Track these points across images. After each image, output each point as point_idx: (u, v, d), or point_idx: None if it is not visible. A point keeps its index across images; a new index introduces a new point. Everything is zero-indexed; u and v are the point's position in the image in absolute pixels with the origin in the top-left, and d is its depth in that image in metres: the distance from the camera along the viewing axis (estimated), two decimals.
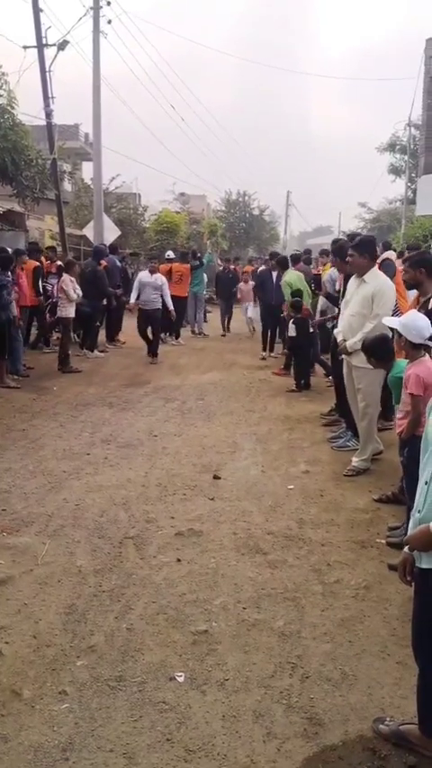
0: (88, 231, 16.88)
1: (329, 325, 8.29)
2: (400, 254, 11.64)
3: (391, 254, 8.94)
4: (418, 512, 2.40)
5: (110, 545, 4.21)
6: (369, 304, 5.55)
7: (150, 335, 11.81)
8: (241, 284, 15.96)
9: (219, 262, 21.31)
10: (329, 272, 8.99)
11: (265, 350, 12.42)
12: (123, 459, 6.01)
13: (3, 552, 4.07)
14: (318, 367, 9.97)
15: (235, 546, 4.22)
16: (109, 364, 11.27)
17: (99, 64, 16.11)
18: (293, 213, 60.07)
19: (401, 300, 6.60)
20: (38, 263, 11.82)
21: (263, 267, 15.20)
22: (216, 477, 5.52)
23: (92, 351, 12.02)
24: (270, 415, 7.83)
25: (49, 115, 15.61)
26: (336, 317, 7.21)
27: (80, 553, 4.09)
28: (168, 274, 14.09)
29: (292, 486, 5.34)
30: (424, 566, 2.34)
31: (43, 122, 16.12)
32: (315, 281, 9.41)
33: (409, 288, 5.38)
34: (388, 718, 2.62)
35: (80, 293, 10.80)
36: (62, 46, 15.78)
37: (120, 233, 17.55)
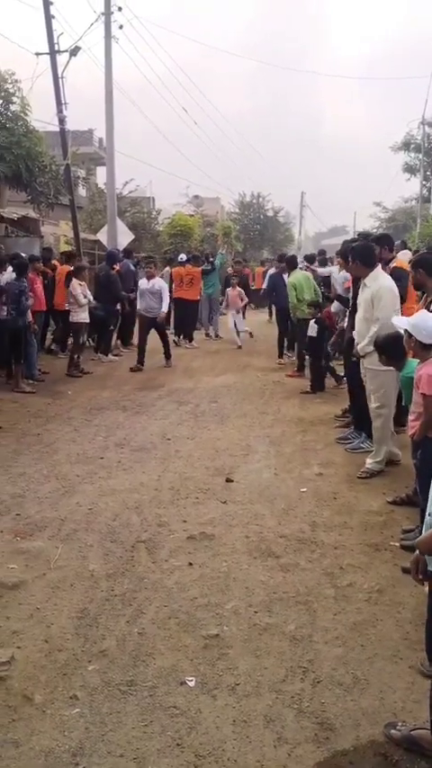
0: (102, 236, 16.97)
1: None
2: (415, 253, 11.57)
3: (405, 255, 8.90)
4: (429, 515, 2.38)
5: (122, 549, 4.22)
6: (371, 307, 5.58)
7: (160, 340, 11.53)
8: (229, 290, 14.88)
9: (231, 264, 21.15)
10: (339, 274, 8.94)
11: (281, 356, 12.12)
12: (136, 463, 6.02)
13: (16, 557, 4.09)
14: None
15: (247, 549, 4.21)
16: (123, 368, 11.30)
17: (111, 69, 16.20)
18: (308, 214, 60.00)
19: (411, 302, 6.55)
20: (71, 268, 11.99)
21: (273, 270, 15.17)
22: (229, 481, 5.51)
23: (106, 355, 12.07)
24: (284, 418, 7.80)
25: (62, 121, 15.73)
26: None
27: (93, 557, 4.11)
28: (181, 278, 14.14)
29: (305, 489, 5.32)
30: None
31: (57, 128, 16.24)
32: (325, 283, 9.35)
33: (416, 289, 5.36)
34: (400, 723, 2.60)
35: (90, 298, 10.84)
36: (74, 52, 15.88)
37: (133, 237, 17.63)
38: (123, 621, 3.39)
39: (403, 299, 5.87)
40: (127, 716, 2.70)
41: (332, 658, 3.08)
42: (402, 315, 5.12)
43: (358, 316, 5.81)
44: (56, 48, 15.88)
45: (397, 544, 4.25)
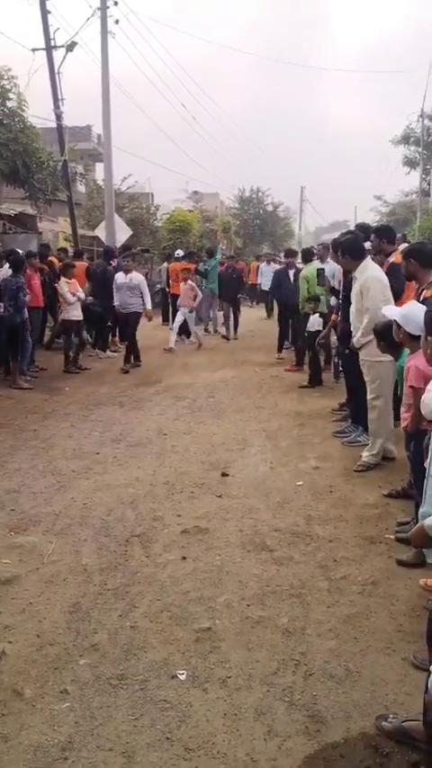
0: (100, 232, 16.94)
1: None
2: None
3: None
4: (423, 507, 2.37)
5: (116, 543, 4.21)
6: (361, 299, 5.63)
7: (129, 339, 10.99)
8: (182, 284, 13.30)
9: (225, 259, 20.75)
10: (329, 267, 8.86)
11: (280, 350, 11.88)
12: (132, 458, 6.01)
13: (10, 551, 4.08)
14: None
15: (241, 543, 4.19)
16: (121, 364, 11.27)
17: (108, 64, 16.16)
18: (308, 209, 59.90)
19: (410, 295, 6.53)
20: (89, 264, 12.02)
21: (265, 264, 15.10)
22: (224, 475, 5.49)
23: (104, 351, 12.06)
24: (281, 412, 7.78)
25: (59, 117, 15.73)
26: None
27: (86, 552, 4.09)
28: (176, 273, 14.13)
29: (300, 483, 5.30)
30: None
31: (54, 124, 16.22)
32: (318, 276, 9.30)
33: (408, 279, 5.35)
34: (391, 716, 2.58)
35: (82, 295, 10.70)
36: (71, 47, 15.89)
37: (131, 233, 17.60)
38: (116, 615, 3.37)
39: (400, 295, 5.84)
40: (117, 710, 2.69)
41: (325, 651, 3.06)
42: None
43: (351, 309, 5.83)
44: (52, 43, 15.87)
45: (392, 537, 4.23)
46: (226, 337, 14.51)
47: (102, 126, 16.89)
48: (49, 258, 12.60)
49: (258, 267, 20.75)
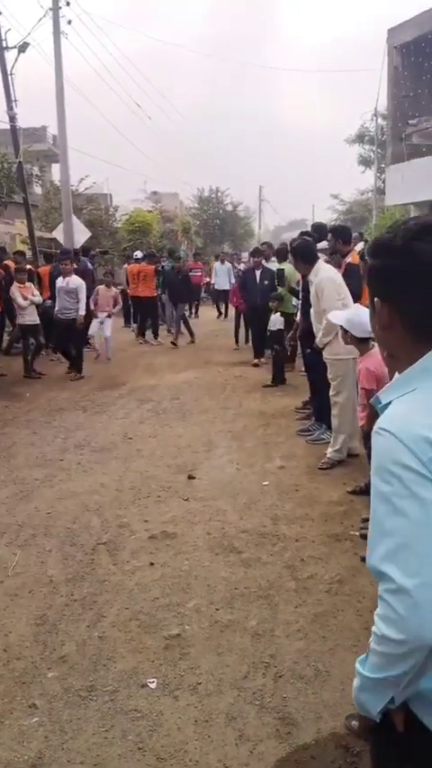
0: (58, 234, 16.73)
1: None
2: None
3: (360, 248, 8.95)
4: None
5: (82, 552, 4.16)
6: (317, 301, 5.74)
7: (72, 349, 10.47)
8: (101, 287, 12.21)
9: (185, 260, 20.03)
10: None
11: (260, 356, 11.04)
12: (97, 464, 5.95)
13: None
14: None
15: (209, 546, 4.19)
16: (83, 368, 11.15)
17: (61, 65, 15.95)
18: (267, 208, 60.18)
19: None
20: (50, 267, 11.87)
21: (241, 266, 14.94)
22: (191, 477, 5.48)
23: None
24: (245, 412, 7.80)
25: (12, 119, 15.48)
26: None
27: (51, 562, 4.04)
28: (135, 275, 14.08)
29: (267, 483, 5.33)
30: None
31: (6, 125, 15.97)
32: (278, 277, 9.33)
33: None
34: None
35: (37, 300, 10.49)
36: (23, 48, 15.64)
37: (90, 234, 17.41)
38: (83, 626, 3.34)
39: (358, 297, 5.92)
40: (87, 722, 2.66)
41: (294, 652, 3.08)
42: None
43: (311, 310, 5.91)
44: (3, 44, 15.61)
45: (357, 533, 4.28)
46: (174, 343, 13.71)
47: (57, 127, 16.67)
48: (5, 262, 12.39)
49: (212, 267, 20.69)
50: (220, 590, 3.64)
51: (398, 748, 1.37)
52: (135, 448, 6.44)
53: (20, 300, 10.25)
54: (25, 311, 10.31)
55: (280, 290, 9.11)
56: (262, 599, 3.54)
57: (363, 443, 4.24)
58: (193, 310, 19.87)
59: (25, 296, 10.26)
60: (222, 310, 19.31)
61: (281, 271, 8.59)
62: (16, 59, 15.84)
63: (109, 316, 12.18)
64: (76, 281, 10.30)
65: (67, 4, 16.05)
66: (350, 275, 6.01)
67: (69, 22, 16.24)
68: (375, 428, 1.27)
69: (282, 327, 9.01)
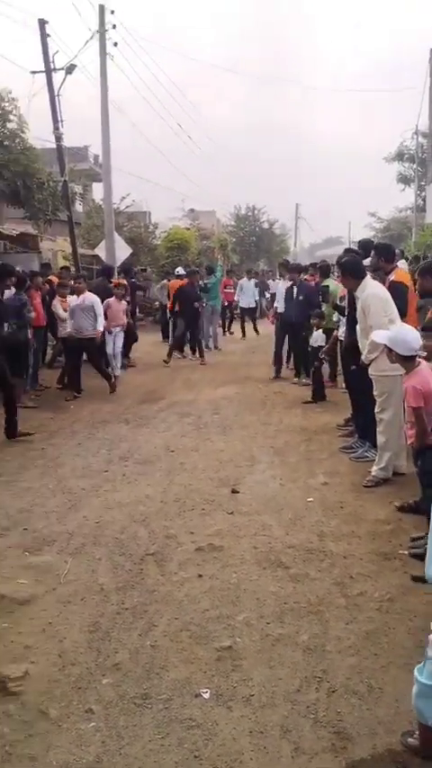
0: (100, 251, 17.06)
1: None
2: (412, 261, 11.65)
3: (402, 265, 8.94)
4: None
5: (131, 562, 4.22)
6: (364, 318, 5.72)
7: (93, 367, 10.31)
8: (112, 300, 11.30)
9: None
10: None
11: (299, 375, 10.88)
12: (141, 476, 6.03)
13: (26, 571, 4.09)
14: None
15: (256, 560, 4.21)
16: (123, 381, 11.30)
17: (107, 86, 16.35)
18: (303, 225, 60.30)
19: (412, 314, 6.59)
20: (125, 281, 12.29)
21: (279, 280, 14.83)
22: (234, 492, 5.52)
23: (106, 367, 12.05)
24: (286, 428, 7.82)
25: (59, 138, 15.87)
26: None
27: (102, 571, 4.10)
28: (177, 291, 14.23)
29: (311, 499, 5.33)
30: None
31: (53, 145, 16.39)
32: (322, 293, 9.35)
33: (422, 296, 5.42)
34: (416, 732, 2.59)
35: None
36: (70, 70, 16.09)
37: (131, 251, 17.72)
38: (135, 634, 3.39)
39: (404, 314, 5.91)
40: (143, 729, 2.70)
41: (346, 668, 3.07)
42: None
43: (357, 327, 5.91)
44: (52, 66, 16.07)
45: (406, 552, 4.25)
46: (202, 362, 13.28)
47: (101, 146, 17.03)
48: (49, 277, 12.68)
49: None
50: (269, 604, 3.66)
51: None
52: (178, 461, 6.50)
53: (61, 314, 10.50)
54: (66, 324, 10.53)
55: (324, 306, 9.14)
56: (312, 614, 3.55)
57: (413, 461, 4.21)
58: (226, 327, 19.52)
59: (66, 309, 10.49)
60: (245, 330, 18.73)
61: (325, 287, 8.62)
62: (63, 81, 16.32)
63: (121, 329, 11.62)
64: (91, 298, 10.06)
65: (114, 26, 16.49)
66: (394, 293, 6.00)
67: (115, 44, 16.66)
68: None
69: (323, 344, 9.03)
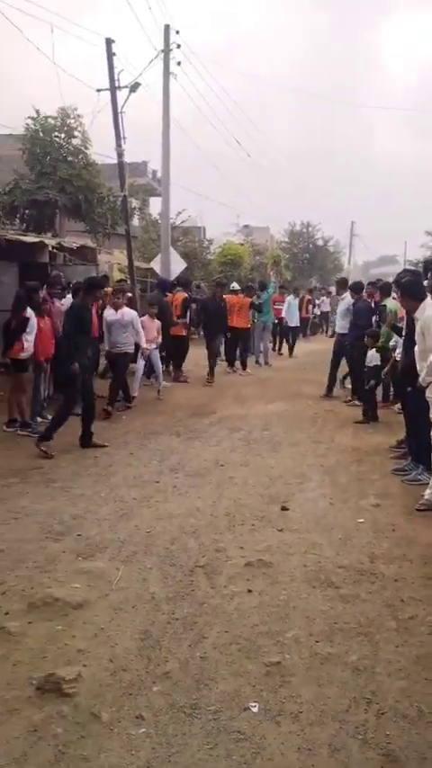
0: (156, 264, 17.35)
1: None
2: None
3: None
4: None
5: (181, 573, 4.28)
6: (423, 339, 5.67)
7: (115, 380, 9.96)
8: (145, 318, 11.06)
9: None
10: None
11: (354, 395, 10.57)
12: (192, 488, 6.10)
13: (79, 576, 4.19)
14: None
15: (306, 578, 4.21)
16: (175, 394, 11.45)
17: (169, 104, 16.69)
18: (358, 243, 59.81)
19: None
20: (186, 295, 12.68)
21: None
22: (284, 509, 5.53)
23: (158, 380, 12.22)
24: (337, 447, 7.79)
25: (120, 155, 16.23)
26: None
27: (153, 580, 4.17)
28: (232, 306, 14.32)
29: (362, 520, 5.30)
30: None
31: (113, 160, 16.78)
32: (379, 313, 9.30)
33: None
34: None
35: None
36: (134, 88, 16.44)
37: (186, 265, 17.95)
38: (185, 645, 3.43)
39: None
40: (192, 738, 2.74)
41: (396, 690, 3.05)
42: None
43: (415, 349, 5.86)
44: (116, 84, 16.48)
45: None
46: (209, 380, 12.77)
47: (161, 163, 17.37)
48: (106, 289, 12.96)
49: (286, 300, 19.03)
50: (318, 623, 3.66)
51: None
52: (227, 475, 6.55)
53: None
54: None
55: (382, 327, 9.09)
56: (362, 635, 3.53)
57: None
58: (276, 347, 19.12)
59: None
60: (284, 350, 18.58)
61: (382, 307, 8.58)
62: (127, 98, 16.71)
63: (156, 346, 11.36)
64: (130, 313, 9.92)
65: (178, 46, 16.85)
66: None
67: (179, 64, 17.00)
68: None
69: (378, 363, 8.96)
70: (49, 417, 8.88)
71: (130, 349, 10.04)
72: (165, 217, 17.63)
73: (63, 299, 9.93)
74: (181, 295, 13.13)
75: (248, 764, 2.59)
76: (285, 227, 44.74)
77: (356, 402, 10.30)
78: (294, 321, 18.59)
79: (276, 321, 18.20)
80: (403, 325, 6.92)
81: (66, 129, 15.70)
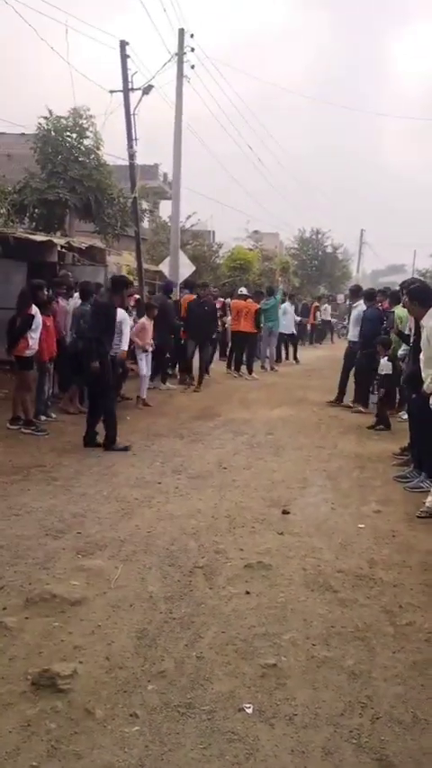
0: (164, 267, 17.38)
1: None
2: None
3: None
4: None
5: (180, 573, 4.28)
6: (429, 346, 5.67)
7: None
8: (144, 319, 10.95)
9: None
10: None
11: (358, 402, 10.61)
12: (194, 490, 6.10)
13: (78, 573, 4.20)
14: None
15: (304, 582, 4.20)
16: (180, 396, 11.47)
17: (182, 109, 16.76)
18: (367, 251, 59.77)
19: None
20: (192, 297, 12.73)
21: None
22: (285, 512, 5.52)
23: (163, 383, 12.26)
24: (340, 453, 7.77)
25: (132, 156, 16.28)
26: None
27: (151, 579, 4.17)
28: (239, 311, 14.35)
29: (362, 525, 5.28)
30: None
31: (124, 162, 16.84)
32: (386, 320, 9.29)
33: None
34: None
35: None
36: (147, 90, 16.51)
37: (194, 269, 17.99)
38: (182, 644, 3.43)
39: None
40: (186, 737, 2.73)
41: (391, 696, 3.04)
42: None
43: (421, 356, 5.84)
44: (129, 86, 16.55)
45: None
46: (196, 388, 12.37)
47: (172, 166, 17.44)
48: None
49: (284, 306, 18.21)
50: (316, 626, 3.65)
51: None
52: (230, 478, 6.55)
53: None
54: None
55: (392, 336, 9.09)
56: (359, 640, 3.52)
57: None
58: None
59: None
60: (282, 358, 18.27)
61: (390, 314, 8.57)
62: (139, 101, 16.78)
63: (146, 350, 10.83)
64: (121, 314, 9.00)
65: (192, 50, 16.93)
66: None
67: (193, 67, 17.08)
68: None
69: (390, 372, 8.94)
70: (53, 416, 8.95)
71: (118, 351, 9.33)
72: (175, 219, 17.69)
73: (69, 299, 9.96)
74: (189, 297, 13.17)
75: (241, 765, 2.58)
76: (295, 234, 44.78)
77: (361, 409, 10.30)
78: (290, 329, 18.35)
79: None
80: (407, 330, 6.91)
81: (78, 129, 15.76)
